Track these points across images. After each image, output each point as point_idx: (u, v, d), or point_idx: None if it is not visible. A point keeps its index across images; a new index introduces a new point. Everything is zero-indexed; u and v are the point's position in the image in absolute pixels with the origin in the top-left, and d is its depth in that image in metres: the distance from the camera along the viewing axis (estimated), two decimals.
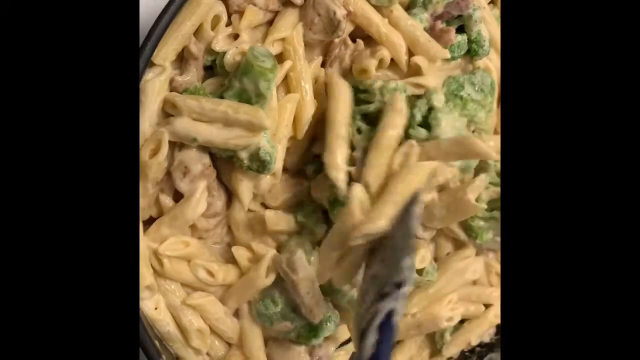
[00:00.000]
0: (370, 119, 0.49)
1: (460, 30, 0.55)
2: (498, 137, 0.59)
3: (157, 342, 0.48)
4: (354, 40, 0.52)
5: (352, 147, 0.49)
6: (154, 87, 0.46)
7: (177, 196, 0.49)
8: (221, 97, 0.47)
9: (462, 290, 0.59)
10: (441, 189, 0.54)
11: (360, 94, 0.50)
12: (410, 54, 0.53)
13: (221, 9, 0.49)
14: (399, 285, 0.36)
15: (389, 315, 0.36)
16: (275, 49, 0.49)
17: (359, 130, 0.49)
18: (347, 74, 0.51)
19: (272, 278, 0.49)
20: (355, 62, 0.51)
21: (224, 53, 0.48)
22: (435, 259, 0.58)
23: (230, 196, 0.51)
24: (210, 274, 0.50)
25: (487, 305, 0.62)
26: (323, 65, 0.52)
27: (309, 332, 0.52)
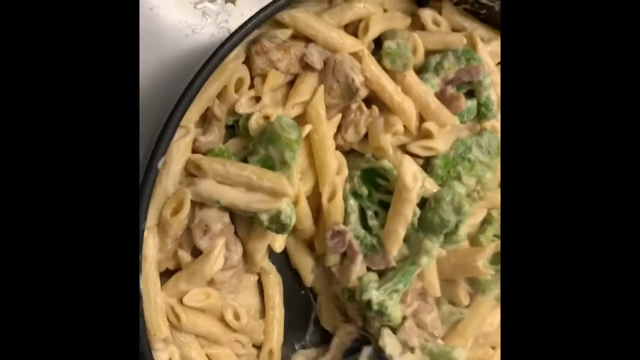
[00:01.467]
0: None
1: (470, 93, 0.58)
2: None
3: None
4: (368, 105, 0.54)
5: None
6: (179, 149, 0.48)
7: (195, 251, 0.50)
8: (244, 160, 0.49)
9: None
10: None
11: (380, 179, 0.53)
12: (421, 117, 0.55)
13: (244, 72, 0.50)
14: None
15: None
16: (295, 112, 0.51)
17: (375, 213, 0.52)
18: (362, 140, 0.54)
19: None
20: (371, 131, 0.53)
21: (247, 115, 0.50)
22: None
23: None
24: (237, 316, 0.52)
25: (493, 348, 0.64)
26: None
27: None
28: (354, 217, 0.54)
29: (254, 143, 0.49)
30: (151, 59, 0.56)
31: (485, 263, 0.58)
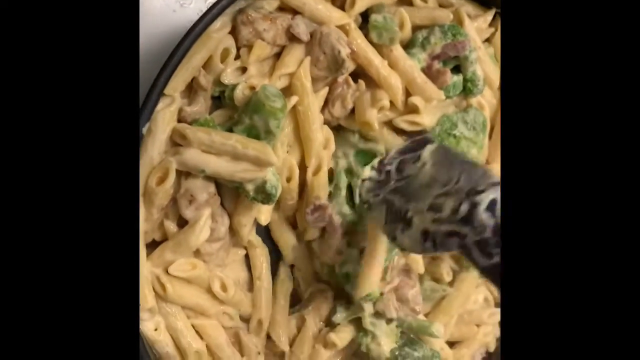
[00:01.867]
0: None
1: (456, 69, 0.58)
2: (489, 167, 0.62)
3: None
4: (355, 79, 0.54)
5: None
6: (164, 117, 0.48)
7: (181, 221, 0.50)
8: (230, 130, 0.49)
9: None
10: None
11: None
12: (408, 92, 0.55)
13: (230, 43, 0.50)
14: (496, 184, 0.41)
15: (493, 202, 0.40)
16: (282, 83, 0.51)
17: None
18: (349, 115, 0.54)
19: None
20: (357, 106, 0.53)
21: (233, 86, 0.50)
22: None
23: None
24: (224, 287, 0.52)
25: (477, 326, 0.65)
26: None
27: None
28: (342, 194, 0.54)
29: (239, 113, 0.49)
30: (140, 35, 0.55)
31: None
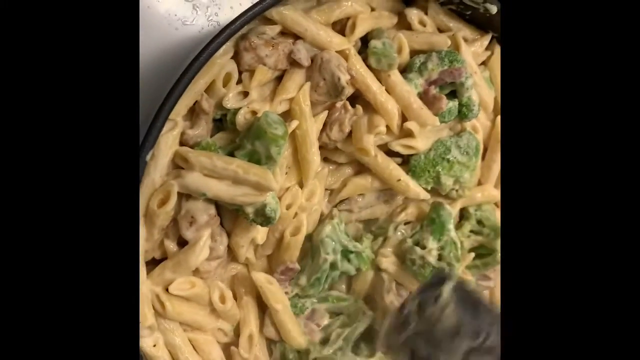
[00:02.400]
0: None
1: (452, 93, 0.59)
2: (482, 188, 0.64)
3: None
4: (352, 102, 0.55)
5: None
6: (167, 141, 0.49)
7: (181, 240, 0.52)
8: (231, 153, 0.50)
9: None
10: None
11: None
12: (403, 116, 0.57)
13: (233, 67, 0.51)
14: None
15: None
16: (282, 108, 0.53)
17: None
18: (346, 139, 0.55)
19: None
20: (355, 131, 0.55)
21: (235, 110, 0.51)
22: None
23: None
24: (223, 299, 0.53)
25: None
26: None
27: None
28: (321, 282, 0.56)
29: (240, 138, 0.50)
30: (141, 51, 0.56)
31: (464, 270, 0.61)
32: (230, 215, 0.53)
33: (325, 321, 0.58)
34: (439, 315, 0.49)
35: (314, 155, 0.53)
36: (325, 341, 0.57)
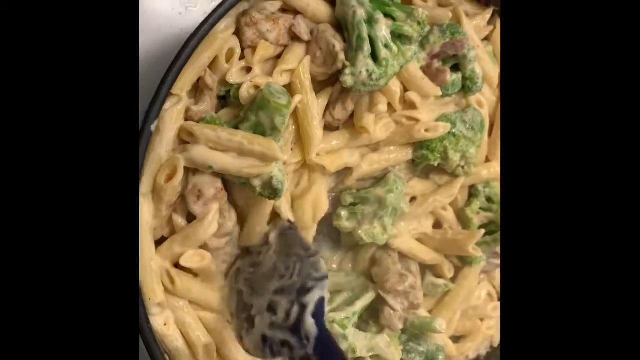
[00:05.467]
0: None
1: (455, 67, 0.59)
2: (489, 165, 0.64)
3: (166, 357, 0.50)
4: None
5: None
6: (172, 116, 0.49)
7: (190, 216, 0.52)
8: (236, 127, 0.50)
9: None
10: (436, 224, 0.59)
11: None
12: (405, 89, 0.57)
13: (235, 43, 0.52)
14: (322, 279, 0.44)
15: (320, 301, 0.44)
16: (283, 80, 0.53)
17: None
18: (349, 118, 0.56)
19: None
20: (356, 110, 0.55)
21: (238, 85, 0.51)
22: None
23: (240, 216, 0.54)
24: None
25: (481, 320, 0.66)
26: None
27: None
28: (367, 46, 0.51)
29: (245, 111, 0.50)
30: (147, 36, 0.57)
31: (474, 246, 0.60)
32: (238, 191, 0.53)
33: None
34: (263, 258, 0.50)
35: (316, 129, 0.53)
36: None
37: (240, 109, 0.51)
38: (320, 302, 0.45)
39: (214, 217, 0.50)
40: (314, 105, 0.53)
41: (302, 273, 0.46)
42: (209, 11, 0.60)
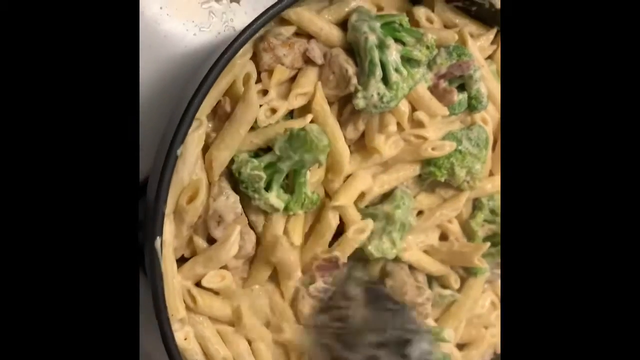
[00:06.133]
0: None
1: (461, 87, 0.61)
2: (493, 179, 0.66)
3: None
4: None
5: None
6: (194, 140, 0.51)
7: (210, 238, 0.53)
8: (271, 163, 0.53)
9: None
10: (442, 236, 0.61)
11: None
12: (414, 108, 0.59)
13: (252, 68, 0.54)
14: (424, 332, 0.42)
15: (426, 354, 0.44)
16: (298, 103, 0.55)
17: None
18: (360, 138, 0.58)
19: None
20: (367, 130, 0.57)
21: None
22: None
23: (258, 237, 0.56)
24: None
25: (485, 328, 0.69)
26: None
27: None
28: (378, 71, 0.53)
29: (281, 148, 0.53)
30: (162, 57, 0.59)
31: (479, 257, 0.63)
32: (255, 213, 0.55)
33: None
34: (351, 313, 0.52)
35: (343, 147, 0.55)
36: None
37: (259, 133, 0.53)
38: (426, 354, 0.46)
39: (236, 239, 0.52)
40: (337, 126, 0.55)
41: (398, 326, 0.48)
42: (221, 31, 0.63)
